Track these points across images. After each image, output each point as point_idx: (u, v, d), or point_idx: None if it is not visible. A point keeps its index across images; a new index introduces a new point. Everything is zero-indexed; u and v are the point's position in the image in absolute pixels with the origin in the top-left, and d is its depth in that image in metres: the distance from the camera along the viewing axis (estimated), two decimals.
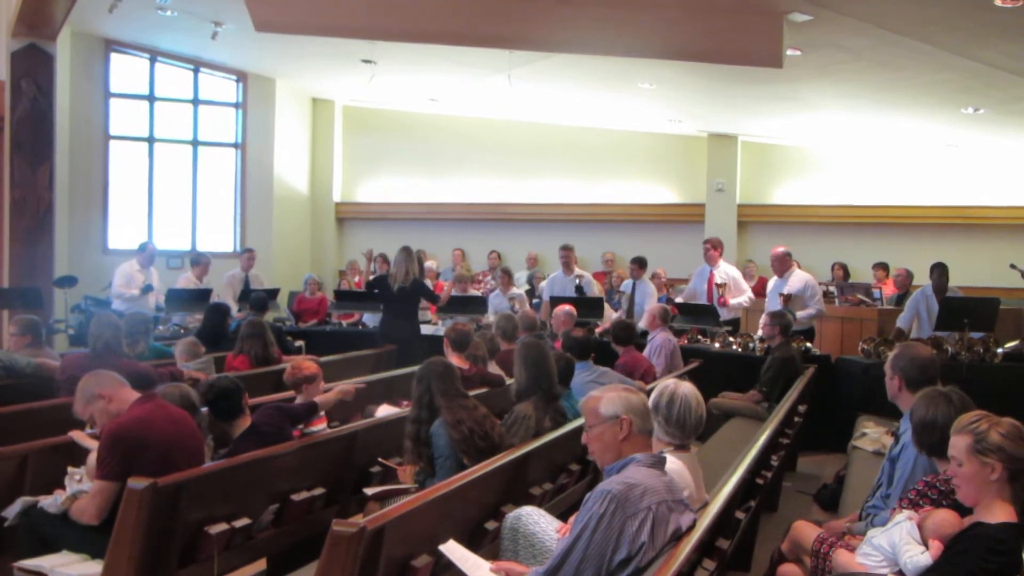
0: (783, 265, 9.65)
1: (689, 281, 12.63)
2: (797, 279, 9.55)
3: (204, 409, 4.95)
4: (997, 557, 2.89)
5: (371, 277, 10.11)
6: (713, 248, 10.48)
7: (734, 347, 9.46)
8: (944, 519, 3.26)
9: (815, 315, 9.50)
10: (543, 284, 12.08)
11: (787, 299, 9.27)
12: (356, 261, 14.26)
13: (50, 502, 4.19)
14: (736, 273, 10.66)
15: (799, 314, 9.25)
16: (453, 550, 3.55)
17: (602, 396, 3.46)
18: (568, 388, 6.01)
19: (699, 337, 9.96)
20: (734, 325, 10.23)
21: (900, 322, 9.32)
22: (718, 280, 10.32)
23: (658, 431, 3.76)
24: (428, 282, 11.18)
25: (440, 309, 11.01)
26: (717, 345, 9.61)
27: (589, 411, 3.47)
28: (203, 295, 10.67)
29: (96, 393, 4.44)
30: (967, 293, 9.82)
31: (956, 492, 3.17)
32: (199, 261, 11.42)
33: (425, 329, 10.28)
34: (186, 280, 11.22)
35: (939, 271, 9.18)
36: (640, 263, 10.92)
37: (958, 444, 3.09)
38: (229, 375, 5.07)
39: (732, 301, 10.22)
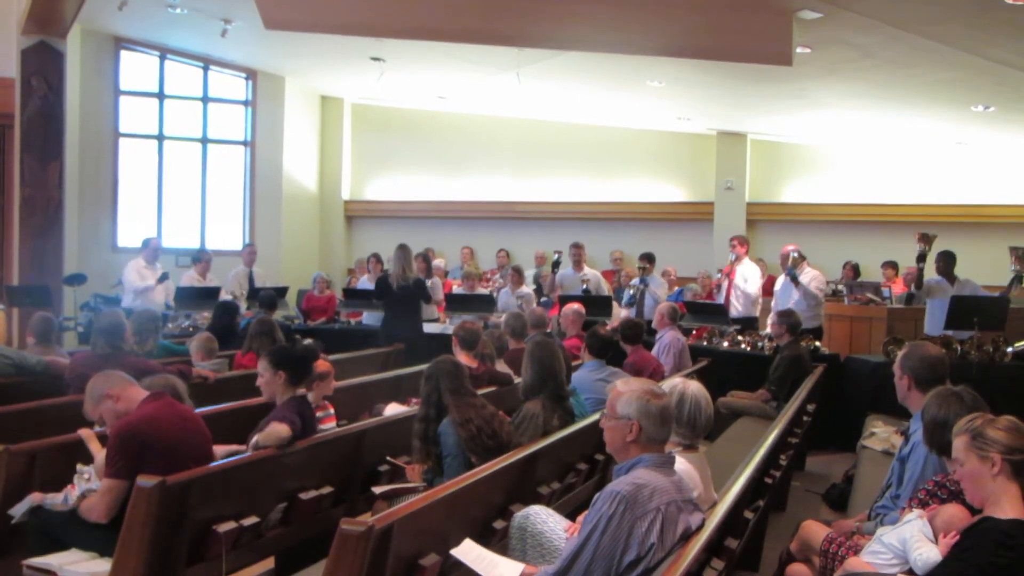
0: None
1: (699, 279, 12.74)
2: (805, 275, 9.75)
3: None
4: (1007, 552, 2.87)
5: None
6: (740, 244, 10.57)
7: (743, 346, 9.45)
8: (954, 514, 3.26)
9: (813, 295, 9.79)
10: (547, 274, 12.08)
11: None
12: (364, 260, 14.29)
13: (57, 500, 4.20)
14: (752, 273, 10.66)
15: (808, 287, 9.63)
16: (468, 551, 3.54)
17: (623, 392, 3.37)
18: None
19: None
20: (744, 324, 10.22)
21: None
22: (737, 280, 10.55)
23: None
24: (437, 280, 11.18)
25: (448, 307, 11.01)
26: (726, 344, 9.61)
27: (610, 403, 3.40)
28: (211, 293, 10.69)
29: (104, 393, 4.44)
30: None
31: (964, 494, 3.16)
32: (200, 258, 11.45)
33: (433, 328, 10.29)
34: (189, 278, 11.24)
35: (943, 258, 9.20)
36: (649, 259, 10.94)
37: (958, 445, 3.11)
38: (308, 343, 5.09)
39: (736, 280, 10.43)
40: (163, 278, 10.59)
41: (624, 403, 3.34)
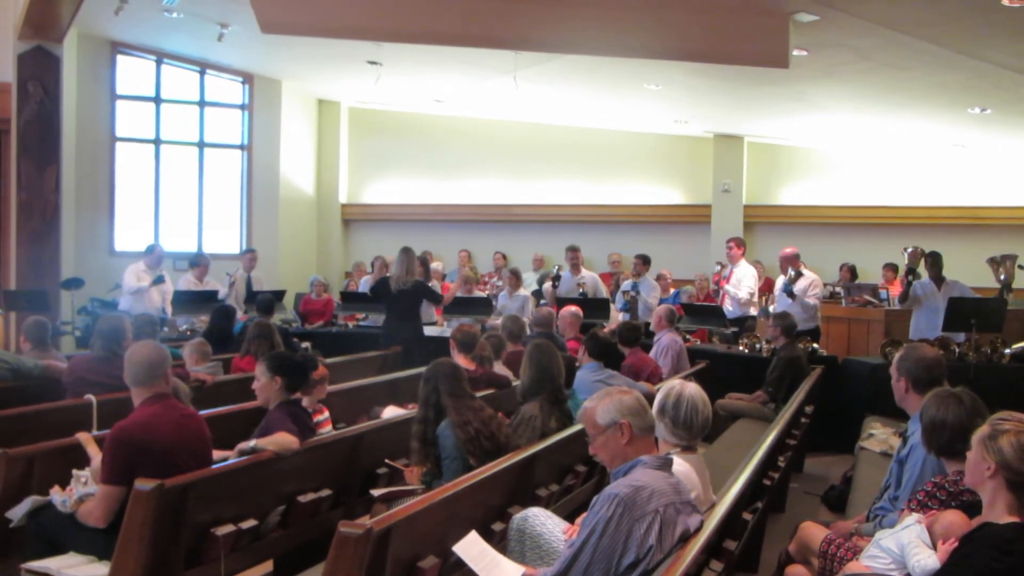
0: (792, 266, 9.72)
1: (696, 281, 12.72)
2: (803, 281, 9.70)
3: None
4: (1006, 557, 2.86)
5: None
6: (737, 247, 10.57)
7: (740, 348, 9.46)
8: (952, 521, 3.24)
9: (812, 307, 9.73)
10: (548, 286, 12.06)
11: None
12: (362, 263, 14.28)
13: (60, 499, 4.19)
14: (747, 275, 10.62)
15: (803, 298, 9.56)
16: (472, 545, 3.53)
17: (596, 406, 3.45)
18: (571, 387, 6.01)
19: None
20: (741, 326, 10.22)
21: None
22: (731, 283, 10.54)
23: (665, 432, 3.74)
24: (435, 283, 11.18)
25: (445, 310, 11.01)
26: (724, 346, 9.64)
27: (588, 423, 3.47)
28: (209, 297, 10.68)
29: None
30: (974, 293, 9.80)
31: (963, 494, 3.16)
32: (198, 262, 11.43)
33: (431, 331, 10.27)
34: (187, 282, 11.22)
35: (931, 259, 9.24)
36: (644, 260, 10.93)
37: (981, 429, 3.09)
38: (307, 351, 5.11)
39: (727, 287, 10.40)
40: (158, 280, 10.55)
41: (603, 412, 3.41)
